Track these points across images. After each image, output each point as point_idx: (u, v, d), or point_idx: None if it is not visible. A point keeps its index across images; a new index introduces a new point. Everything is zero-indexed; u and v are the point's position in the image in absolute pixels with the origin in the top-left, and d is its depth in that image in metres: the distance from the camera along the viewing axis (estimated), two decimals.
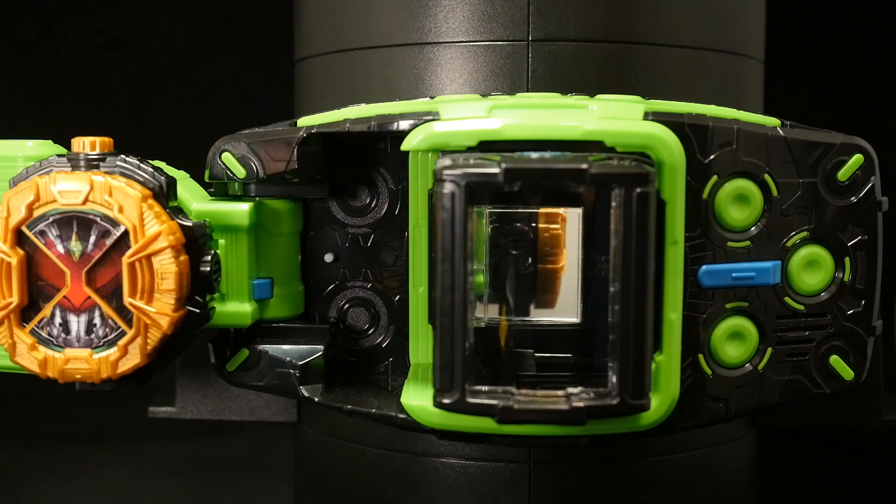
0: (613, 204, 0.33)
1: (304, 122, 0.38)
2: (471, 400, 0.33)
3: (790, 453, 0.60)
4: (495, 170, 0.32)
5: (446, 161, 0.34)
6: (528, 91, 0.41)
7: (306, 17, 0.47)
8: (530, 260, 0.37)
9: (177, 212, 0.35)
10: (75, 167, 0.35)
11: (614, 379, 0.33)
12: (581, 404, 0.33)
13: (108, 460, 0.62)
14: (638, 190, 0.33)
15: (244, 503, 0.57)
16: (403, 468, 0.44)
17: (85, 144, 0.35)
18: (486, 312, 0.38)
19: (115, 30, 0.76)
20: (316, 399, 0.38)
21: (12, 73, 0.74)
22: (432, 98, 0.38)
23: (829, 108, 0.68)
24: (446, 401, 0.33)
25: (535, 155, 0.34)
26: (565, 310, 0.38)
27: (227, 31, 0.78)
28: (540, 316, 0.38)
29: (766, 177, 0.37)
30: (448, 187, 0.33)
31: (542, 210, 0.37)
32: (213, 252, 0.36)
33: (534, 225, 0.37)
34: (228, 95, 0.77)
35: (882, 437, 0.60)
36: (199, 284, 0.35)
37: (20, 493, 0.56)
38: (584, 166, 0.32)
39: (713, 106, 0.37)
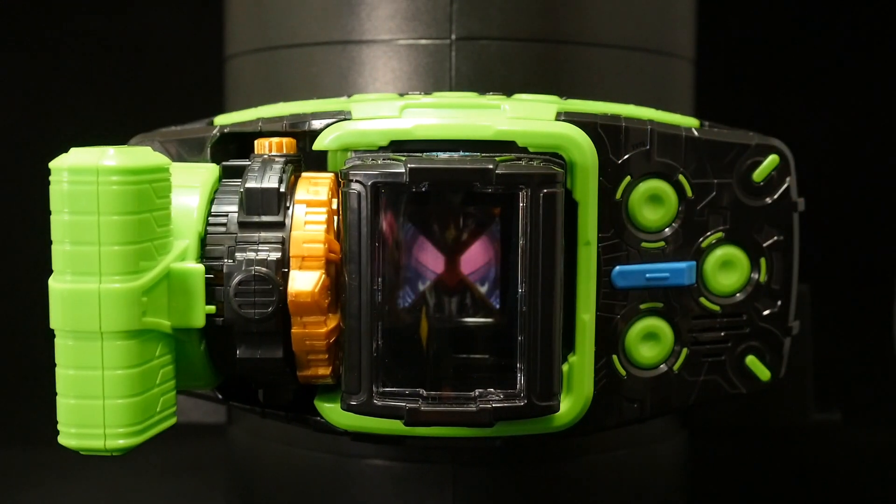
0: (521, 205, 0.33)
1: (219, 120, 0.38)
2: (378, 402, 0.33)
3: (725, 451, 0.60)
4: (400, 170, 0.32)
5: (355, 161, 0.33)
6: (451, 90, 0.41)
7: (233, 14, 0.47)
8: (449, 260, 0.37)
9: None
10: None
11: (523, 380, 0.33)
12: (488, 406, 0.33)
13: (108, 460, 0.61)
14: (545, 190, 0.32)
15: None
16: (330, 469, 0.44)
17: None
18: (404, 313, 0.37)
19: (116, 30, 0.75)
20: (231, 400, 0.38)
21: (12, 73, 0.73)
22: (349, 97, 0.37)
23: (762, 109, 0.68)
24: (353, 403, 0.33)
25: (442, 155, 0.34)
26: (483, 311, 0.38)
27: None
28: (458, 317, 0.38)
29: (681, 177, 0.36)
30: (355, 187, 0.32)
31: (461, 209, 0.37)
32: None
33: (452, 224, 0.37)
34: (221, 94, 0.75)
35: (812, 435, 0.60)
36: None
37: (20, 493, 0.55)
38: (491, 167, 0.32)
39: (630, 106, 0.37)
